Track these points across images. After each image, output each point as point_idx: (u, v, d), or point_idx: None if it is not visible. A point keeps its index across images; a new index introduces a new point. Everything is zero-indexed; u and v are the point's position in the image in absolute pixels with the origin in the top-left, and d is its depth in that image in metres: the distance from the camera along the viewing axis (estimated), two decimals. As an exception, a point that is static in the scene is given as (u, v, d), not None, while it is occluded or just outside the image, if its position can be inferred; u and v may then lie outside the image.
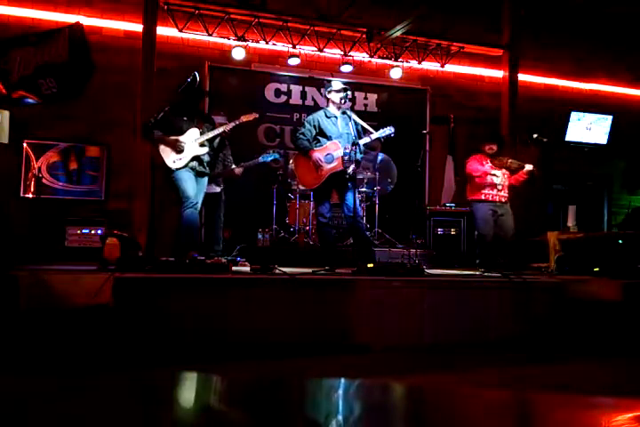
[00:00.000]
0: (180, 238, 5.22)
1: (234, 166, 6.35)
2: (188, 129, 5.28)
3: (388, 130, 5.30)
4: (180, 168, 5.18)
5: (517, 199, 8.39)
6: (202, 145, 5.29)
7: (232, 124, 5.34)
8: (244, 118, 5.44)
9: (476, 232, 6.38)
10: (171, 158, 5.20)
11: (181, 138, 5.23)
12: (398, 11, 7.78)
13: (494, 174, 6.10)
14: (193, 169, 5.26)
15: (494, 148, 6.13)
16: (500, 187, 6.13)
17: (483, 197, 6.10)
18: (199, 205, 5.29)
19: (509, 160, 6.08)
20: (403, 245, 7.26)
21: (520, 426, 1.13)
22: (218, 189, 6.22)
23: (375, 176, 7.75)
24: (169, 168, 5.19)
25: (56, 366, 3.19)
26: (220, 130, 5.30)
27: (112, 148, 7.39)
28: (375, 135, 5.28)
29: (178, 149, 5.19)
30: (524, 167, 6.08)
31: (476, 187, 6.14)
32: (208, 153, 5.35)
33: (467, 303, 4.44)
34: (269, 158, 6.48)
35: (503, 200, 6.15)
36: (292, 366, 3.60)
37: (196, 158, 5.26)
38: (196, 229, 5.31)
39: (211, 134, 5.29)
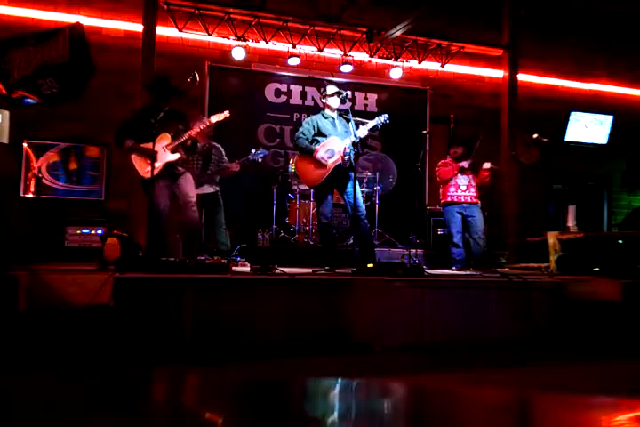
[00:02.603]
0: (151, 242, 5.09)
1: (227, 164, 6.31)
2: (158, 134, 4.98)
3: (383, 117, 5.38)
4: (152, 178, 4.91)
5: (518, 199, 8.43)
6: (173, 151, 5.06)
7: (201, 127, 5.06)
8: (213, 119, 5.13)
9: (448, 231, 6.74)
10: (143, 168, 5.00)
11: (152, 146, 4.90)
12: (398, 11, 7.78)
13: (458, 177, 6.50)
14: (168, 176, 5.06)
15: (459, 151, 6.54)
16: (463, 188, 6.51)
17: (449, 199, 6.55)
18: (193, 201, 5.11)
19: (465, 162, 6.47)
20: (403, 245, 7.26)
21: (520, 426, 1.13)
22: (211, 190, 6.20)
23: (375, 176, 7.75)
24: (143, 178, 5.01)
25: (56, 366, 3.19)
26: (185, 136, 5.04)
27: (112, 148, 7.37)
28: (371, 124, 5.37)
29: (150, 158, 4.90)
30: (481, 166, 6.50)
31: (444, 190, 6.62)
32: (180, 158, 5.10)
33: (467, 303, 4.44)
34: (259, 155, 6.41)
35: (469, 200, 6.53)
36: (293, 366, 3.59)
37: (169, 166, 5.05)
38: (164, 236, 5.19)
39: (181, 139, 5.05)
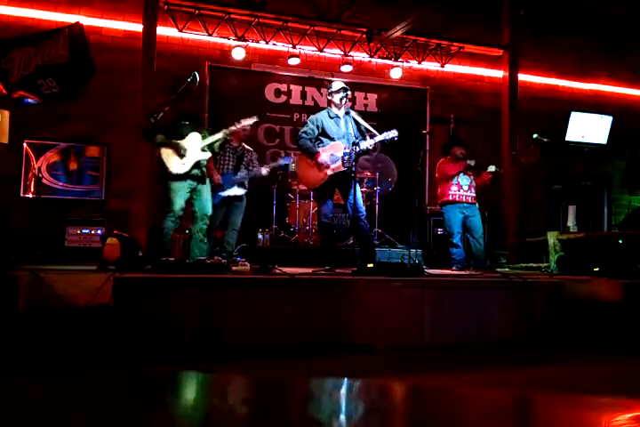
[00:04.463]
0: (154, 242, 5.22)
1: (258, 168, 6.33)
2: (188, 133, 5.23)
3: (392, 133, 5.23)
4: (181, 175, 5.13)
5: (518, 199, 8.43)
6: (203, 150, 5.27)
7: (232, 129, 5.35)
8: (243, 122, 5.47)
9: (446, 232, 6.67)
10: (174, 163, 5.15)
11: (183, 143, 5.19)
12: (398, 11, 7.78)
13: (460, 176, 6.42)
14: (194, 177, 5.20)
15: (465, 152, 6.50)
16: (465, 188, 6.45)
17: (450, 198, 6.42)
18: (208, 215, 5.31)
19: (471, 161, 6.41)
20: (403, 245, 7.26)
21: (520, 426, 1.13)
22: (241, 192, 6.13)
23: (375, 176, 7.74)
24: (169, 174, 5.14)
25: (56, 366, 3.19)
26: (221, 135, 5.29)
27: (112, 148, 7.39)
28: (379, 138, 5.25)
29: (181, 153, 5.15)
30: (485, 168, 6.46)
31: (444, 189, 6.48)
32: (207, 159, 5.37)
33: (467, 303, 4.44)
34: (286, 161, 6.63)
35: (470, 200, 6.47)
36: (293, 366, 3.59)
37: (197, 164, 5.23)
38: (169, 236, 5.34)
39: (210, 140, 5.27)
